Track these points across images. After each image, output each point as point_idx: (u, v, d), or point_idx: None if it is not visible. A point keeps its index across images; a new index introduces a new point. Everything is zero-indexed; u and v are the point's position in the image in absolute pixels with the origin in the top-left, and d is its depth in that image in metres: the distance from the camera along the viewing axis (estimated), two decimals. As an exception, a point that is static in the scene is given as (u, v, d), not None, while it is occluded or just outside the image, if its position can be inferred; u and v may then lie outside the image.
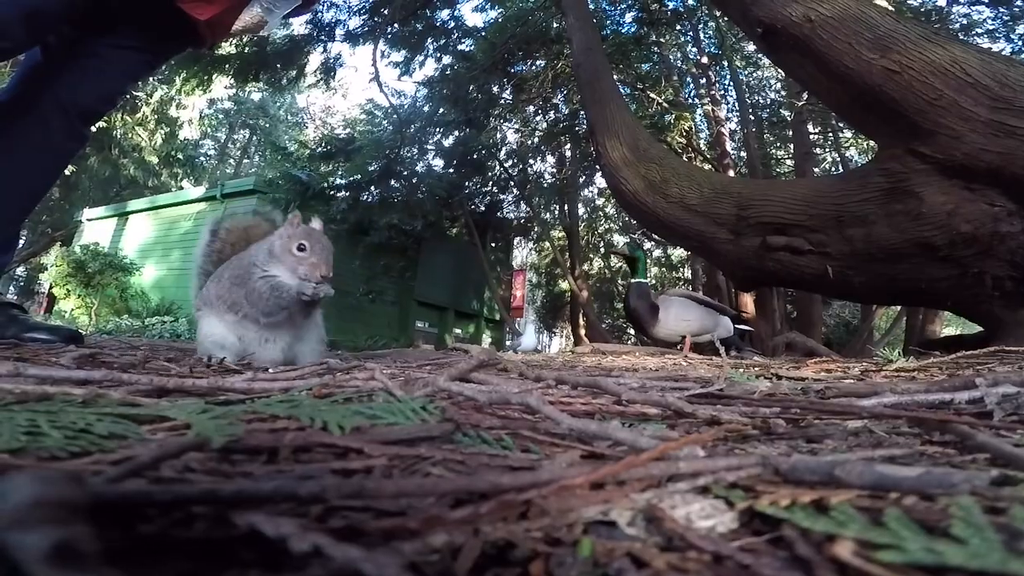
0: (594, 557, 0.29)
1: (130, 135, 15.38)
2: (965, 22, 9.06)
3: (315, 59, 10.40)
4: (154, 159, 16.38)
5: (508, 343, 13.08)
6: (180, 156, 17.52)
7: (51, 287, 10.22)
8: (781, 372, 1.37)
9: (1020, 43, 8.49)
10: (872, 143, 12.05)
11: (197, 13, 1.70)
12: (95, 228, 12.52)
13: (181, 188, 16.48)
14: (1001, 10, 8.62)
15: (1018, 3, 8.46)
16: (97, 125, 1.92)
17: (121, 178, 16.03)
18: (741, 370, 1.40)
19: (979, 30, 8.85)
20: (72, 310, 9.23)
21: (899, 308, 9.89)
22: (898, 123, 2.72)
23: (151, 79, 12.78)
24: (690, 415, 0.68)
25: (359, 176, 9.85)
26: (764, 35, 3.33)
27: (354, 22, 9.86)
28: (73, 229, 13.74)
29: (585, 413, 0.71)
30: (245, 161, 25.59)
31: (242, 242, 1.53)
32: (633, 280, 3.74)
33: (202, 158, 21.80)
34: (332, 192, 9.75)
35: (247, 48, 9.28)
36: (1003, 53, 6.79)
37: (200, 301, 1.39)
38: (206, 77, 9.73)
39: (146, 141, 15.65)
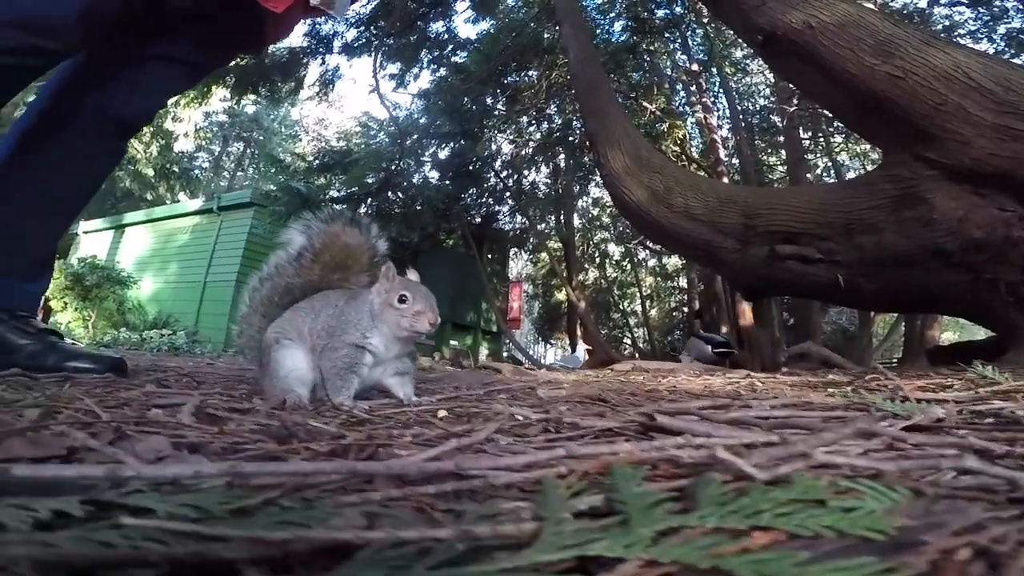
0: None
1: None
2: (947, 23, 9.19)
3: (313, 71, 10.46)
4: (150, 171, 16.37)
5: (506, 354, 13.04)
6: (175, 169, 17.51)
7: (47, 300, 10.14)
8: (909, 394, 1.08)
9: (1003, 43, 8.56)
10: (864, 147, 12.14)
11: (272, 5, 1.56)
12: (92, 240, 12.47)
13: (177, 201, 16.45)
14: (981, 11, 8.74)
15: (996, 3, 8.57)
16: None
17: (117, 190, 15.96)
18: (878, 395, 1.10)
19: (961, 31, 8.96)
20: (69, 323, 9.14)
21: (896, 314, 9.94)
22: (904, 128, 2.73)
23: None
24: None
25: (355, 188, 9.84)
26: (765, 42, 3.35)
27: (351, 34, 9.93)
28: (69, 241, 13.65)
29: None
30: (239, 173, 25.56)
31: (337, 258, 1.37)
32: None
33: (197, 171, 21.77)
34: (327, 204, 9.73)
35: (246, 61, 9.33)
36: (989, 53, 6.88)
37: (278, 331, 1.24)
38: (205, 90, 9.74)
39: (142, 153, 15.63)
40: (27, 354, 1.44)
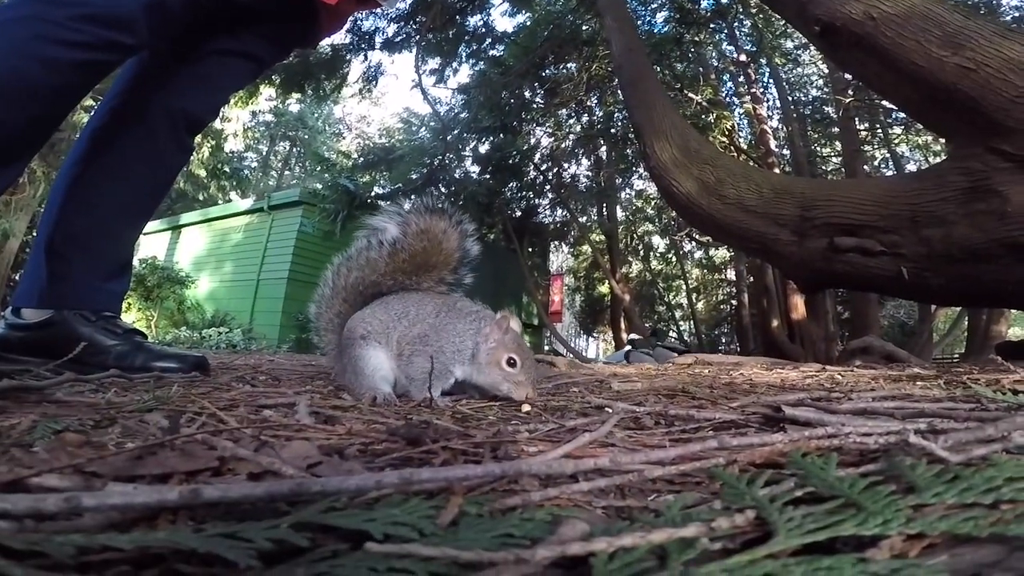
0: None
1: (179, 148, 16.11)
2: (1017, 14, 8.75)
3: (356, 68, 10.64)
4: (202, 172, 17.00)
5: (547, 347, 13.05)
6: (226, 169, 18.12)
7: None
8: (1009, 387, 1.08)
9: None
10: (926, 138, 11.52)
11: None
12: (150, 241, 12.95)
13: (229, 200, 17.03)
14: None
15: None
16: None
17: (173, 191, 16.68)
18: (983, 387, 1.07)
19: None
20: (133, 322, 9.61)
21: (959, 308, 9.47)
22: (976, 121, 2.64)
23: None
24: None
25: (399, 185, 9.98)
26: (823, 34, 3.28)
27: (391, 29, 10.05)
28: (130, 242, 14.34)
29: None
30: (286, 172, 26.32)
31: (430, 259, 1.37)
32: None
33: (246, 170, 22.51)
34: (374, 201, 9.90)
35: (294, 58, 9.54)
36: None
37: (366, 328, 1.23)
38: (253, 88, 10.01)
39: (195, 154, 16.29)
40: (116, 355, 1.45)
